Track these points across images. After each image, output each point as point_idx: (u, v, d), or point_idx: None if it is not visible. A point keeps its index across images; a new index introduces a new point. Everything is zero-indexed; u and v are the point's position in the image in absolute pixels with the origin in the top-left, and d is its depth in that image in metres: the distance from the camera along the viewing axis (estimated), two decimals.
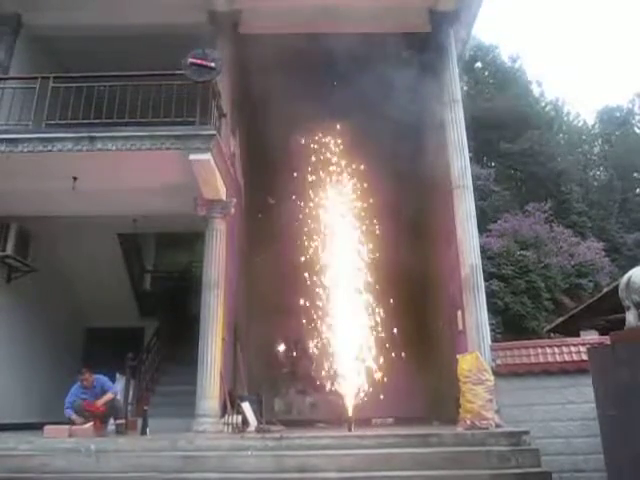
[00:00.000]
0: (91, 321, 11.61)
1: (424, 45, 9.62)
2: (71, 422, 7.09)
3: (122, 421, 7.45)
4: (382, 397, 8.25)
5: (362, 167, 9.43)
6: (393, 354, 8.53)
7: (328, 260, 8.69)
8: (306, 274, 8.81)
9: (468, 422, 6.75)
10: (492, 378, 7.04)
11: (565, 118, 32.67)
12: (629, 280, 5.41)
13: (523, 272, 17.55)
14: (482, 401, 6.82)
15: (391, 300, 8.86)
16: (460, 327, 8.36)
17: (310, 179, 9.36)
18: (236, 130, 9.88)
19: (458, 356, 7.41)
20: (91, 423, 7.05)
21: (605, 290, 11.28)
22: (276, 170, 10.85)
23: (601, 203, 26.26)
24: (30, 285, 9.32)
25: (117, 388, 7.87)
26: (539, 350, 7.60)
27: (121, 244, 11.00)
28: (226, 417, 7.44)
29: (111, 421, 7.50)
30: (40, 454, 5.98)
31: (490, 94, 27.31)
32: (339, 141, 9.52)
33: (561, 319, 13.28)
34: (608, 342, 5.73)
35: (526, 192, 24.83)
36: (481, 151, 24.25)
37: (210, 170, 7.33)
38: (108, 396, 7.39)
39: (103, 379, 7.60)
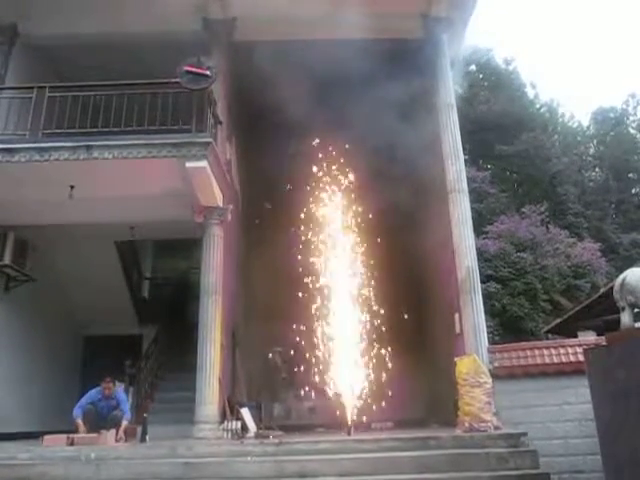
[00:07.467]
0: (90, 329, 11.61)
1: (418, 50, 9.68)
2: (75, 426, 6.97)
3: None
4: (381, 401, 8.26)
5: (358, 173, 9.45)
6: (391, 358, 8.54)
7: (325, 265, 8.70)
8: (304, 279, 8.82)
9: (467, 424, 6.79)
10: (490, 380, 7.09)
11: (560, 120, 32.72)
12: (623, 281, 5.41)
13: (520, 274, 17.56)
14: (480, 403, 6.87)
15: (389, 304, 8.88)
16: (457, 330, 8.39)
17: (306, 185, 9.37)
18: (232, 137, 9.92)
19: (456, 359, 7.46)
20: (96, 434, 6.93)
21: (602, 291, 11.27)
22: (273, 176, 10.87)
23: (597, 204, 26.34)
24: (28, 294, 9.32)
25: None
26: (536, 352, 7.63)
27: (119, 252, 11.00)
28: (225, 423, 7.46)
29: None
30: (40, 463, 5.95)
31: (485, 97, 27.36)
32: (335, 148, 9.54)
33: (558, 320, 13.28)
34: (604, 343, 5.75)
35: (522, 194, 24.90)
36: (477, 154, 24.34)
37: (206, 177, 7.38)
38: (125, 425, 7.22)
39: (122, 397, 7.51)
